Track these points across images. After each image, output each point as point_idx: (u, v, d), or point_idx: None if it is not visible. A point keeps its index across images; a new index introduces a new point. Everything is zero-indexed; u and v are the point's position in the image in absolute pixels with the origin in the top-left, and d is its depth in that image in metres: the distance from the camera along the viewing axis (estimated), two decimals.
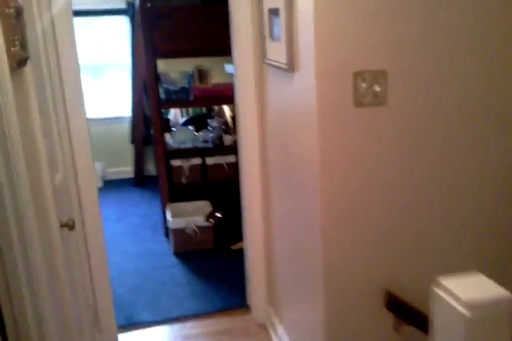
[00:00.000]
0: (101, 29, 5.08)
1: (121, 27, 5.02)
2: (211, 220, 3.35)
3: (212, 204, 3.63)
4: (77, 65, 2.19)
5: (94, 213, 2.42)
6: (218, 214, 3.38)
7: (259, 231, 2.55)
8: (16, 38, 1.24)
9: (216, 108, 4.36)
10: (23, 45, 1.32)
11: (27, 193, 1.18)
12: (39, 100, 1.50)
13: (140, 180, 5.01)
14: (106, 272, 2.45)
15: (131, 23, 4.77)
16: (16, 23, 1.26)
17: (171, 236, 3.41)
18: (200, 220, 3.37)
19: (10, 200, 1.11)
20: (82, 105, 2.25)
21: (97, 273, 2.42)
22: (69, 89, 2.19)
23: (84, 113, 2.29)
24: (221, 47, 3.40)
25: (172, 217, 3.46)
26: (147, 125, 5.03)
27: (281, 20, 1.72)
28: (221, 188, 3.94)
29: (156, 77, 3.41)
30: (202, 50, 3.41)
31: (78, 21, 2.66)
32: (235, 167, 3.73)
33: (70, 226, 1.68)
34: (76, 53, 2.17)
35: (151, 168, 5.30)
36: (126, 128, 5.19)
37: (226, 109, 4.22)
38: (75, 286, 1.95)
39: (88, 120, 2.35)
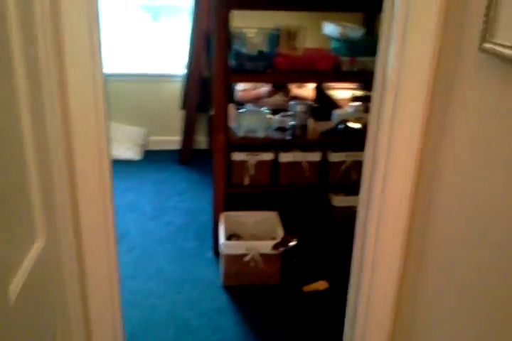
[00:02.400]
0: None
1: None
2: (281, 249, 2.37)
3: (282, 217, 2.64)
4: None
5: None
6: (293, 242, 2.39)
7: (391, 270, 1.53)
8: None
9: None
10: None
11: None
12: None
13: (187, 157, 4.04)
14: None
15: None
16: None
17: (222, 262, 2.46)
18: (265, 246, 2.39)
19: None
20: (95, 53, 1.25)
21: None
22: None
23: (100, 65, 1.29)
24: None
25: (226, 234, 2.49)
26: (203, 89, 3.99)
27: None
28: (296, 196, 2.94)
29: (226, 35, 2.33)
30: (295, 2, 2.29)
31: None
32: (317, 167, 2.70)
33: None
34: None
35: (201, 141, 4.32)
36: (176, 89, 4.17)
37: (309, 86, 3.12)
38: None
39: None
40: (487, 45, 0.92)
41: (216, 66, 2.39)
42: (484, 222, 1.04)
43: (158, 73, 4.17)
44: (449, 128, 1.16)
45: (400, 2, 1.17)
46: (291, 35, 2.47)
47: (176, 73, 4.15)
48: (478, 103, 1.03)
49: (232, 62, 2.43)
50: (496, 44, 0.90)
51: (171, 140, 4.30)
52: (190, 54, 3.92)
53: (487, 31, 0.91)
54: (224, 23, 2.30)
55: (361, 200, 1.50)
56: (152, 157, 4.12)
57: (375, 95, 1.34)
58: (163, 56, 4.21)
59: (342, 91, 3.47)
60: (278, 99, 3.31)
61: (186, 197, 3.41)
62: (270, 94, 3.21)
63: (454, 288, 1.18)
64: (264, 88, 3.23)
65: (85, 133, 1.31)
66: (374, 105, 1.35)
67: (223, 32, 2.31)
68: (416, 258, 1.39)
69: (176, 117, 4.23)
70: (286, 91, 3.23)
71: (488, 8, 0.89)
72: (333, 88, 3.54)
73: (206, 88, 4.03)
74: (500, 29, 0.89)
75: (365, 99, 2.95)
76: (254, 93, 3.30)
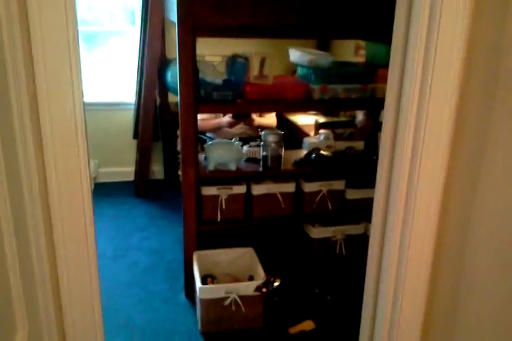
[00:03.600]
0: None
1: None
2: (264, 290, 2.21)
3: (259, 252, 2.49)
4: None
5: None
6: (276, 283, 2.24)
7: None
8: None
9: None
10: None
11: None
12: None
13: (143, 189, 3.81)
14: None
15: None
16: None
17: (199, 307, 2.27)
18: (246, 288, 2.23)
19: None
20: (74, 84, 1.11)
21: None
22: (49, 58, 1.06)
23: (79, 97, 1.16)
24: (305, 22, 2.21)
25: (200, 275, 2.31)
26: (157, 116, 3.82)
27: None
28: (271, 229, 2.80)
29: (192, 64, 2.19)
30: (269, 28, 2.19)
31: None
32: (292, 199, 2.59)
33: None
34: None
35: (157, 171, 4.11)
36: (127, 118, 3.96)
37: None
38: None
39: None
40: None
41: (182, 96, 2.24)
42: None
43: (107, 101, 3.94)
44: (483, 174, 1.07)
45: (417, 35, 1.08)
46: (260, 62, 2.36)
47: (126, 101, 3.95)
48: None
49: (199, 92, 2.28)
50: None
51: (124, 171, 4.06)
52: (139, 81, 3.74)
53: None
54: (189, 51, 2.16)
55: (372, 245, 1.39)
56: (105, 190, 3.86)
57: (385, 138, 1.24)
58: (111, 84, 3.99)
59: (303, 117, 3.41)
60: (240, 128, 3.19)
61: (149, 233, 3.18)
62: (232, 123, 3.08)
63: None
64: (225, 117, 3.09)
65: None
66: (385, 145, 1.25)
67: (189, 61, 2.17)
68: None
69: (129, 147, 4.02)
70: (249, 121, 3.11)
71: None
72: (295, 114, 3.48)
73: (161, 116, 3.85)
74: None
75: (331, 126, 2.89)
76: (214, 122, 3.16)
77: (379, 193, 1.32)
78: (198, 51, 2.22)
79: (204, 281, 2.36)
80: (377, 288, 1.45)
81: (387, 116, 1.28)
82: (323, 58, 2.40)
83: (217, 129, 3.17)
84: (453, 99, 1.10)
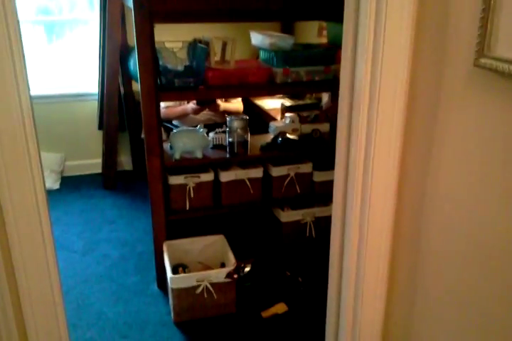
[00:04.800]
0: None
1: None
2: (235, 276, 2.21)
3: (229, 239, 2.48)
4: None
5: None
6: (247, 268, 2.24)
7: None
8: None
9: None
10: None
11: None
12: None
13: (112, 181, 3.75)
14: None
15: None
16: None
17: (171, 297, 2.26)
18: (217, 276, 2.22)
19: None
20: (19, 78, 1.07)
21: None
22: None
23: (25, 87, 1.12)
24: (258, 6, 2.18)
25: (171, 265, 2.29)
26: (122, 106, 3.74)
27: None
28: (241, 215, 2.79)
29: (151, 52, 2.14)
30: (226, 12, 2.15)
31: None
32: (260, 184, 2.58)
33: None
34: None
35: (125, 161, 4.05)
36: (91, 109, 3.87)
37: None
38: None
39: (35, 98, 1.20)
40: (484, 60, 0.83)
41: (143, 85, 2.19)
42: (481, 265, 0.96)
43: (69, 93, 3.84)
44: (435, 152, 1.08)
45: (366, 13, 1.07)
46: (222, 47, 2.33)
47: (89, 92, 3.86)
48: (474, 124, 0.95)
49: (160, 80, 2.24)
50: (495, 59, 0.81)
51: (91, 163, 3.99)
52: (101, 70, 3.65)
53: (483, 45, 0.82)
54: (147, 38, 2.11)
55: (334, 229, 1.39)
56: (72, 184, 3.79)
57: (341, 119, 1.24)
58: (72, 74, 3.89)
59: (270, 101, 3.39)
60: (206, 114, 3.15)
61: (119, 226, 3.14)
62: (197, 110, 3.03)
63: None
64: (190, 104, 3.05)
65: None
66: (341, 127, 1.25)
67: (147, 48, 2.12)
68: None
69: (94, 138, 3.94)
70: (214, 106, 3.07)
71: (484, 20, 0.81)
72: (261, 98, 3.45)
73: (126, 106, 3.78)
74: (500, 42, 0.80)
75: (297, 109, 2.88)
76: (179, 109, 3.11)
77: (338, 174, 1.32)
78: (158, 37, 2.17)
79: (175, 271, 2.35)
80: (341, 266, 1.46)
81: (342, 95, 1.27)
82: (285, 41, 2.38)
83: (182, 116, 3.12)
84: (404, 75, 1.10)
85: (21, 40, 1.15)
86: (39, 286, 1.31)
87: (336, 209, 1.38)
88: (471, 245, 1.01)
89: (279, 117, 3.03)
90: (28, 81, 1.18)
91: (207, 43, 2.30)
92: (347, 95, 1.22)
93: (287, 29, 3.71)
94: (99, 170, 3.93)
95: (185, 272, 2.37)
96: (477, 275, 1.00)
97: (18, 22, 1.14)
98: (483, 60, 0.83)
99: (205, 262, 2.49)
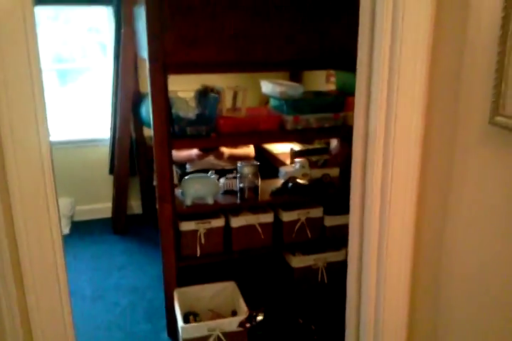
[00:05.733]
0: (72, 22, 3.80)
1: (100, 20, 3.76)
2: (247, 325, 2.17)
3: (240, 285, 2.45)
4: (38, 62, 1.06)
5: None
6: (260, 317, 2.20)
7: None
8: None
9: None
10: None
11: None
12: None
13: (122, 225, 3.76)
14: None
15: (116, 16, 3.52)
16: None
17: None
18: (229, 325, 2.18)
19: None
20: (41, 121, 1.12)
21: None
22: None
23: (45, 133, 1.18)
24: (267, 58, 2.25)
25: (182, 313, 2.26)
26: (133, 151, 3.80)
27: None
28: (252, 261, 2.77)
29: (165, 101, 2.20)
30: (239, 62, 2.22)
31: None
32: (271, 229, 2.58)
33: None
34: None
35: (135, 206, 4.07)
36: (102, 154, 3.93)
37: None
38: None
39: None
40: (499, 118, 0.85)
41: (156, 133, 2.24)
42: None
43: (81, 138, 3.92)
44: (451, 207, 1.09)
45: (380, 64, 1.11)
46: (233, 95, 2.39)
47: (100, 137, 3.93)
48: (490, 179, 0.96)
49: (173, 128, 2.28)
50: (508, 117, 0.84)
51: (101, 208, 4.01)
52: (113, 116, 3.74)
53: (498, 104, 0.85)
54: (161, 88, 2.18)
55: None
56: (82, 228, 3.79)
57: (355, 166, 1.26)
58: (84, 120, 3.98)
59: (279, 145, 3.43)
60: (212, 160, 3.16)
61: (128, 272, 3.12)
62: (200, 156, 3.05)
63: None
64: (194, 150, 3.07)
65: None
66: (356, 174, 1.27)
67: (161, 98, 2.18)
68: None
69: (105, 183, 3.98)
70: (217, 152, 3.08)
71: (498, 80, 0.84)
72: (270, 143, 3.49)
73: (136, 151, 3.84)
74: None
75: (306, 153, 2.91)
76: (185, 154, 3.13)
77: (354, 218, 1.32)
78: (170, 87, 2.24)
79: (186, 319, 2.32)
80: (359, 315, 1.44)
81: (355, 144, 1.29)
82: (295, 89, 2.44)
83: (189, 161, 3.14)
84: (418, 134, 1.12)
85: (43, 88, 1.19)
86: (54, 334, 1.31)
87: (351, 257, 1.37)
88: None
89: (288, 161, 3.06)
90: (48, 128, 1.22)
91: (217, 92, 2.36)
92: (360, 143, 1.24)
93: (295, 75, 3.81)
94: (109, 215, 3.94)
95: (196, 320, 2.33)
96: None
97: (41, 70, 1.18)
98: (498, 118, 0.85)
99: (216, 309, 2.46)
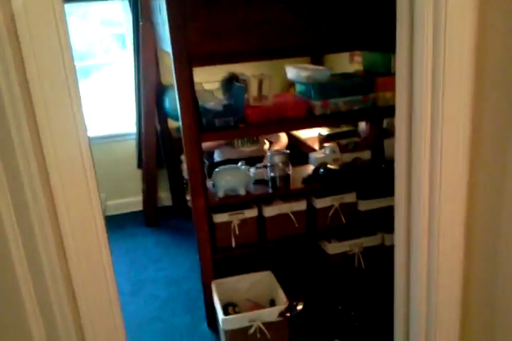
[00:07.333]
0: (88, 17, 3.78)
1: (116, 14, 3.73)
2: (288, 314, 2.17)
3: (277, 274, 2.44)
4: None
5: None
6: (300, 306, 2.19)
7: None
8: None
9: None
10: None
11: None
12: None
13: (153, 218, 3.78)
14: None
15: (133, 9, 3.48)
16: None
17: (223, 339, 2.22)
18: (269, 315, 2.18)
19: None
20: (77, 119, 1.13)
21: None
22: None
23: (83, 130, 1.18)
24: (292, 44, 2.20)
25: (221, 305, 2.26)
26: (159, 144, 3.80)
27: None
28: (287, 249, 2.76)
29: (191, 94, 2.17)
30: (264, 50, 2.17)
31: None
32: (304, 217, 2.55)
33: None
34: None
35: (165, 197, 4.08)
36: (129, 148, 3.94)
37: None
38: None
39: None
40: None
41: (184, 127, 2.21)
42: None
43: (107, 134, 3.93)
44: (507, 193, 1.04)
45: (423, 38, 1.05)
46: (258, 84, 2.35)
47: (126, 132, 3.94)
48: None
49: (200, 121, 2.26)
50: None
51: (132, 201, 4.04)
52: (138, 110, 3.73)
53: None
54: (187, 81, 2.14)
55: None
56: (115, 223, 3.82)
57: (399, 148, 1.21)
58: (109, 115, 3.99)
59: (306, 130, 3.37)
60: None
61: (163, 264, 3.14)
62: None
63: None
64: None
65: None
66: (400, 160, 1.22)
67: (187, 91, 2.15)
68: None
69: (134, 177, 4.00)
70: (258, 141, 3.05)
71: None
72: None
73: (163, 143, 3.83)
74: None
75: (335, 137, 2.86)
76: (214, 143, 3.11)
77: (400, 201, 1.28)
78: (195, 79, 2.21)
79: (225, 310, 2.32)
80: (408, 301, 1.40)
81: (399, 126, 1.24)
82: (321, 73, 2.39)
83: (219, 146, 3.11)
84: (468, 98, 1.06)
85: (78, 84, 1.17)
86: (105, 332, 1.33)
87: (398, 239, 1.33)
88: None
89: (316, 146, 3.01)
90: (85, 122, 1.21)
91: (243, 81, 2.32)
92: (404, 126, 1.19)
93: (317, 59, 3.73)
94: (140, 208, 3.97)
95: (235, 311, 2.34)
96: None
97: (74, 67, 1.16)
98: None
99: (254, 299, 2.46)
